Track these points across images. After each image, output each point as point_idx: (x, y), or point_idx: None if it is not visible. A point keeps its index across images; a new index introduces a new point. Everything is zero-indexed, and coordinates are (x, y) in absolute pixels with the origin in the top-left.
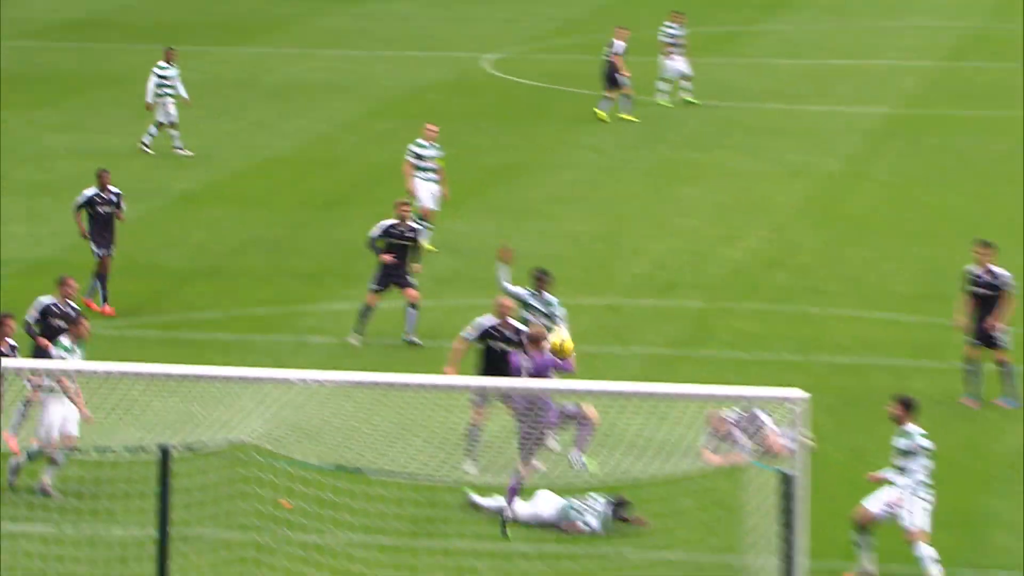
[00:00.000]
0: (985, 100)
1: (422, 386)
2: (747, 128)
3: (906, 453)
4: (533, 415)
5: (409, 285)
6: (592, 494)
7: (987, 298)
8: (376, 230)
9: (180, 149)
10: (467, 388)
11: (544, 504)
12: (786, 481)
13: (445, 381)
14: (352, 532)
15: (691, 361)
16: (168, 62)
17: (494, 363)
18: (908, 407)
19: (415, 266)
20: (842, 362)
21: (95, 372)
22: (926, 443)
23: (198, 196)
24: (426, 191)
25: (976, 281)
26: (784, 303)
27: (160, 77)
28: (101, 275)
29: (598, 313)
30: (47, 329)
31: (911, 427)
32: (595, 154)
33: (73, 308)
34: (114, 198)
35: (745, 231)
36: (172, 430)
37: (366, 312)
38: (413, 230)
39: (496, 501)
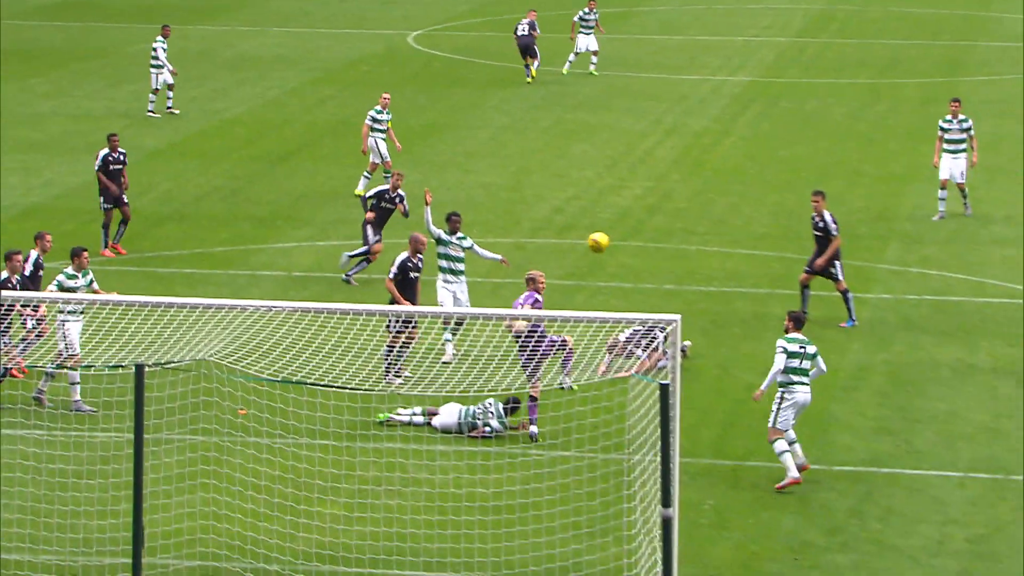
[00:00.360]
0: (830, 70)
1: (356, 312)
2: (631, 93)
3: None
4: (531, 342)
5: (379, 240)
6: (489, 400)
7: (821, 238)
8: (371, 193)
9: (152, 112)
10: (391, 314)
11: (450, 415)
12: (664, 391)
13: (375, 308)
14: (298, 436)
15: (584, 290)
16: (164, 37)
17: (408, 288)
18: (792, 320)
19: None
20: (711, 291)
21: (82, 302)
22: (784, 345)
23: (166, 152)
24: (383, 147)
25: (813, 225)
26: (662, 242)
27: (163, 50)
28: (106, 224)
29: (506, 250)
30: (35, 280)
31: (789, 336)
32: (503, 116)
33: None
34: (122, 157)
35: (629, 181)
36: (146, 350)
37: (367, 259)
38: (400, 196)
39: (406, 415)
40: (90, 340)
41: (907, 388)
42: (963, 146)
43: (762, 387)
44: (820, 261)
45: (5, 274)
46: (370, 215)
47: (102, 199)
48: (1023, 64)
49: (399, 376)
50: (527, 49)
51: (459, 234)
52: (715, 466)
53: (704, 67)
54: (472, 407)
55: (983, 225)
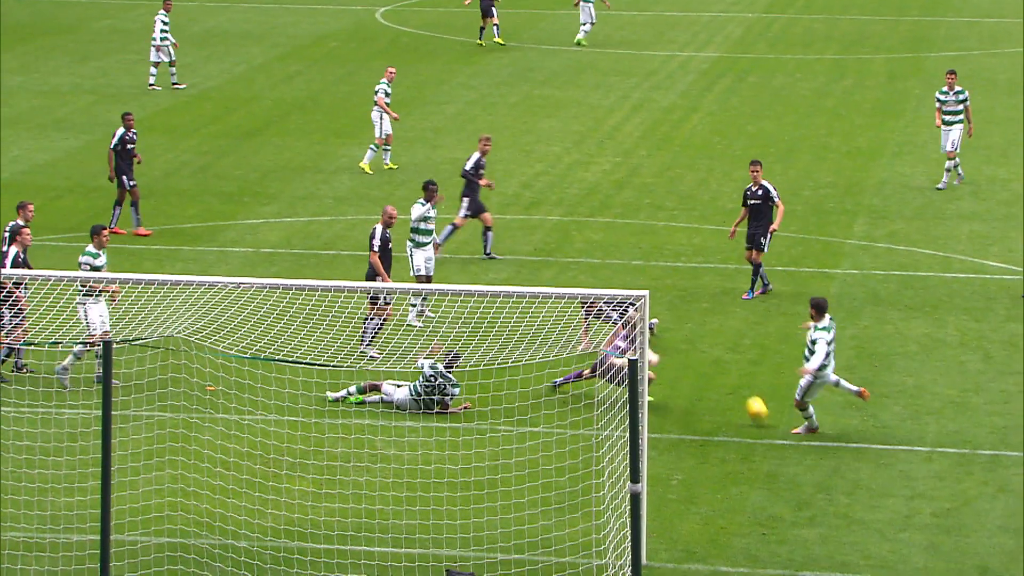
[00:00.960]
0: (797, 46)
1: (325, 288)
2: (598, 69)
3: (812, 342)
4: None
5: (486, 211)
6: (428, 370)
7: (758, 206)
8: (470, 164)
9: (178, 85)
10: (379, 289)
11: (402, 392)
12: (632, 366)
13: (343, 285)
14: (267, 412)
15: (552, 266)
16: (166, 11)
17: (385, 260)
18: (815, 308)
19: (490, 184)
20: (678, 266)
21: (50, 279)
22: (826, 336)
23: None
24: (387, 120)
25: (751, 194)
26: (630, 217)
27: (164, 23)
28: (134, 202)
29: (475, 226)
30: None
31: (822, 325)
32: (470, 91)
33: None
34: (136, 136)
35: (597, 156)
36: (114, 326)
37: (452, 232)
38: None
39: (342, 393)
40: (57, 316)
41: (874, 363)
42: (959, 117)
43: (812, 368)
44: (774, 226)
45: (15, 249)
46: (484, 182)
47: (124, 178)
48: (988, 39)
49: (372, 347)
50: (486, 12)
51: (432, 202)
52: (683, 441)
53: (672, 43)
54: (417, 381)
55: (950, 200)
